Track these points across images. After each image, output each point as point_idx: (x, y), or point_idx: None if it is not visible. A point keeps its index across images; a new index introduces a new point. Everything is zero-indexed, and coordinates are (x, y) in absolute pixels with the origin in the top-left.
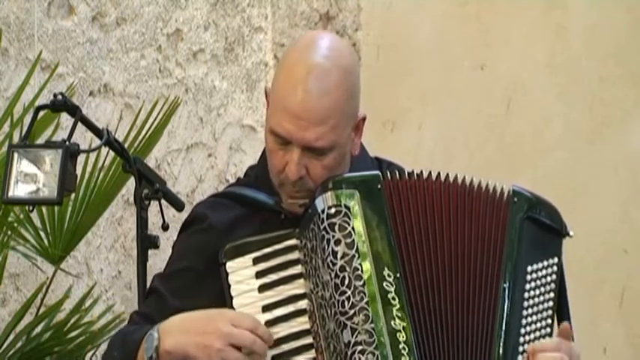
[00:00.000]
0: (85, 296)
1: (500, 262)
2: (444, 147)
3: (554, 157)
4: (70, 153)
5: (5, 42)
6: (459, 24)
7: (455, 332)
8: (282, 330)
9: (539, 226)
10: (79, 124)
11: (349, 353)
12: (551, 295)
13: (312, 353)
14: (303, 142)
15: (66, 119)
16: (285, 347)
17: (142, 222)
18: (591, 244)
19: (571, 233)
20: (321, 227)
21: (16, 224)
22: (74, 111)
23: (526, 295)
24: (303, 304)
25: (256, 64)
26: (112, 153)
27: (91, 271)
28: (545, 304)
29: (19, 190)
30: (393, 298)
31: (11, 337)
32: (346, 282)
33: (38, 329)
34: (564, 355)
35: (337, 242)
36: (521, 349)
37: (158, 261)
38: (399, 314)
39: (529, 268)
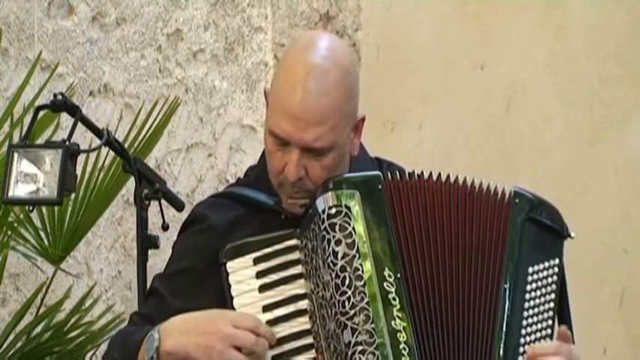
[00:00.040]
0: (85, 296)
1: (501, 262)
2: (444, 147)
3: (554, 157)
4: (70, 153)
5: (5, 42)
6: (459, 24)
7: (455, 333)
8: (282, 330)
9: (541, 227)
10: (79, 124)
11: (349, 353)
12: (552, 296)
13: (312, 353)
14: (302, 142)
15: (66, 119)
16: (286, 347)
17: (142, 222)
18: (591, 244)
19: (572, 235)
20: (322, 227)
21: (16, 224)
22: (74, 111)
23: (527, 296)
24: (303, 304)
25: (256, 64)
26: (112, 153)
27: (91, 271)
28: (546, 306)
29: (19, 190)
30: (394, 299)
31: (11, 337)
32: (347, 282)
33: (38, 329)
34: (564, 359)
35: (338, 242)
36: (521, 349)
37: (158, 261)
38: (400, 314)
39: (530, 269)
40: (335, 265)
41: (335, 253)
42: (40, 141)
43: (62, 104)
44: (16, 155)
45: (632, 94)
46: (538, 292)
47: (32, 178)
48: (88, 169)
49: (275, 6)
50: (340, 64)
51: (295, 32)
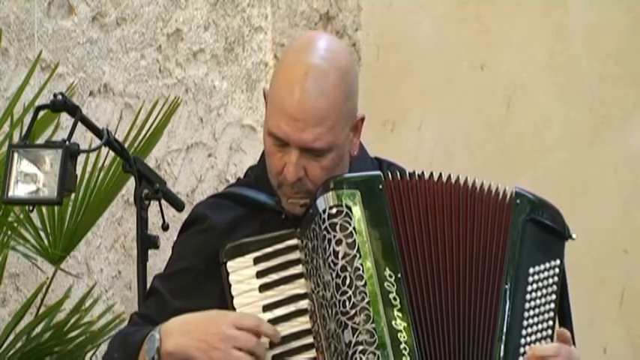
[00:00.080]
0: (85, 296)
1: (502, 263)
2: (444, 147)
3: (554, 157)
4: (70, 153)
5: (5, 42)
6: (459, 24)
7: (456, 333)
8: (282, 330)
9: (542, 228)
10: (79, 124)
11: (350, 353)
12: (553, 297)
13: (312, 353)
14: (301, 143)
15: (66, 119)
16: (286, 347)
17: (142, 222)
18: (591, 244)
19: (574, 236)
20: (322, 227)
21: (16, 224)
22: (74, 111)
23: (527, 296)
24: (303, 303)
25: (256, 64)
26: (112, 153)
27: (91, 271)
28: (547, 306)
29: (19, 190)
30: (394, 299)
31: (11, 337)
32: (347, 282)
33: (38, 329)
34: None
35: (338, 242)
36: (522, 350)
37: (158, 261)
38: (400, 314)
39: (531, 270)
40: (335, 264)
41: (335, 253)
42: (40, 141)
43: (62, 104)
44: (16, 155)
45: (632, 94)
46: (539, 293)
47: (32, 178)
48: (88, 169)
49: (275, 6)
50: (339, 65)
51: (295, 32)
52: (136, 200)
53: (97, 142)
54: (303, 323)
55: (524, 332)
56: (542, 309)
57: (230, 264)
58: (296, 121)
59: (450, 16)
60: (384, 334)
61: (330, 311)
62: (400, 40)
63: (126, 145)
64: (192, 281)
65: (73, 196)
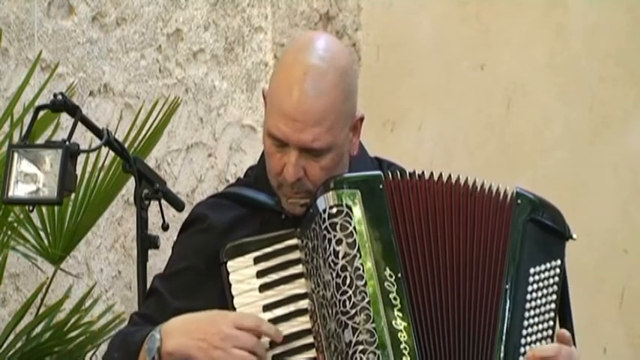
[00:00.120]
0: (85, 296)
1: (503, 263)
2: (444, 147)
3: (554, 157)
4: (70, 153)
5: (5, 42)
6: (459, 24)
7: (456, 333)
8: (283, 329)
9: (542, 229)
10: (79, 124)
11: (350, 353)
12: (554, 297)
13: (312, 353)
14: (300, 143)
15: (66, 119)
16: (286, 347)
17: (142, 222)
18: (591, 244)
19: (574, 236)
20: (323, 227)
21: (16, 224)
22: (74, 111)
23: (528, 296)
24: (304, 303)
25: (256, 64)
26: (112, 153)
27: (91, 271)
28: (548, 307)
29: (19, 190)
30: (395, 298)
31: (11, 337)
32: (347, 282)
33: (38, 329)
34: None
35: (339, 242)
36: (522, 350)
37: (158, 261)
38: (400, 314)
39: (531, 270)
40: (336, 264)
41: (336, 253)
42: (40, 141)
43: (62, 104)
44: (16, 155)
45: (632, 94)
46: (539, 293)
47: (32, 178)
48: (88, 169)
49: (275, 6)
50: (337, 65)
51: (295, 32)
52: (136, 200)
53: (97, 142)
54: (303, 323)
55: (524, 332)
56: (542, 309)
57: (230, 264)
58: (295, 122)
59: (450, 16)
60: (384, 334)
61: (330, 311)
62: (400, 40)
63: (126, 145)
64: (192, 281)
65: (73, 196)
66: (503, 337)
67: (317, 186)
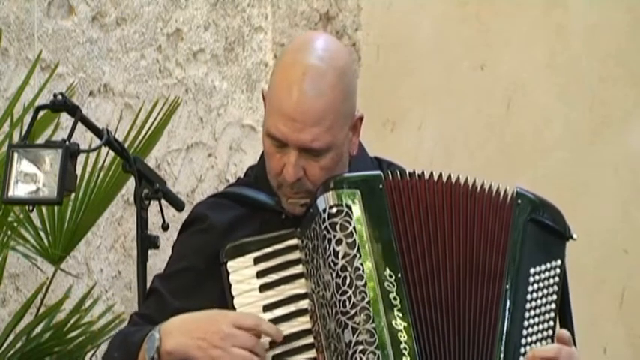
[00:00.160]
0: (85, 296)
1: (503, 263)
2: (444, 147)
3: (554, 157)
4: (70, 153)
5: (5, 42)
6: (459, 24)
7: (456, 333)
8: (283, 329)
9: (543, 229)
10: (79, 124)
11: (350, 353)
12: (554, 297)
13: (312, 353)
14: (299, 143)
15: (66, 119)
16: (286, 347)
17: (142, 222)
18: (591, 244)
19: (574, 236)
20: (323, 227)
21: (16, 224)
22: (74, 111)
23: (528, 296)
24: (304, 303)
25: (256, 64)
26: (112, 153)
27: (91, 271)
28: (548, 307)
29: (19, 190)
30: (395, 298)
31: (11, 337)
32: (347, 281)
33: (38, 329)
34: None
35: (339, 242)
36: (522, 350)
37: (158, 261)
38: (400, 314)
39: (532, 270)
40: (336, 264)
41: (336, 253)
42: (40, 141)
43: (62, 104)
44: (16, 155)
45: (632, 94)
46: (539, 293)
47: (32, 178)
48: (88, 169)
49: (275, 6)
50: (336, 65)
51: (295, 32)
52: (136, 200)
53: (97, 142)
54: (303, 323)
55: (524, 332)
56: (542, 309)
57: (230, 264)
58: (294, 122)
59: (450, 16)
60: (384, 334)
61: (330, 311)
62: (400, 40)
63: (126, 145)
64: (192, 281)
65: (73, 196)
66: (504, 337)
67: (317, 186)
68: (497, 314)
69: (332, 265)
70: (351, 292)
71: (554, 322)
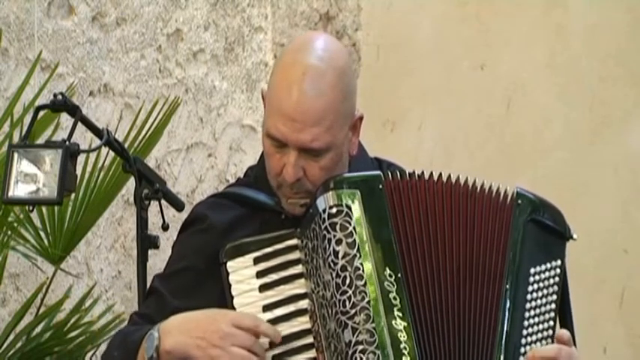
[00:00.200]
0: (85, 296)
1: (503, 263)
2: (444, 147)
3: (554, 157)
4: (70, 153)
5: (5, 42)
6: (459, 24)
7: (456, 332)
8: (282, 330)
9: (543, 229)
10: (79, 124)
11: (350, 353)
12: (554, 297)
13: (312, 353)
14: (299, 143)
15: (66, 119)
16: (286, 347)
17: (142, 222)
18: (591, 244)
19: (575, 236)
20: (323, 227)
21: (16, 224)
22: (74, 111)
23: (528, 297)
24: (303, 303)
25: (256, 64)
26: (112, 153)
27: (91, 271)
28: (548, 307)
29: (19, 190)
30: (394, 298)
31: (11, 337)
32: (347, 281)
33: (38, 329)
34: None
35: (338, 242)
36: (522, 350)
37: (158, 261)
38: (400, 314)
39: (532, 270)
40: (335, 264)
41: (336, 253)
42: (40, 141)
43: (62, 104)
44: (16, 155)
45: (632, 94)
46: (540, 293)
47: (32, 178)
48: (88, 169)
49: (275, 6)
50: (336, 65)
51: (295, 32)
52: (136, 200)
53: (97, 142)
54: (303, 323)
55: (524, 332)
56: (542, 309)
57: (230, 264)
58: (294, 122)
59: (450, 16)
60: (384, 334)
61: (330, 311)
62: (400, 40)
63: (126, 145)
64: (192, 281)
65: (73, 196)
66: (504, 338)
67: (316, 186)
68: (497, 314)
69: (332, 265)
70: (350, 292)
71: (555, 322)
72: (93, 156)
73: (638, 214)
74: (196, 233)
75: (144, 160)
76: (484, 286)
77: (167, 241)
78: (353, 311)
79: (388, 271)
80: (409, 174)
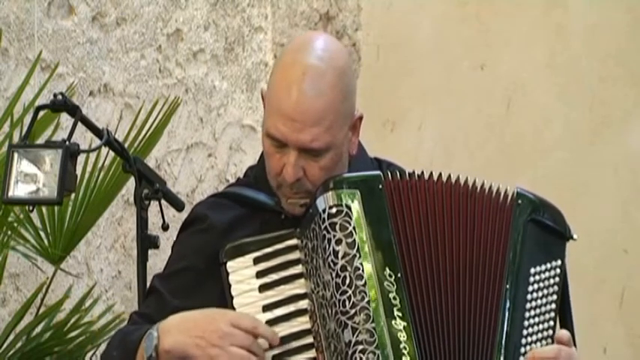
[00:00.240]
0: (85, 296)
1: (503, 263)
2: (444, 147)
3: (554, 157)
4: (70, 153)
5: (5, 42)
6: (459, 24)
7: (456, 332)
8: (282, 330)
9: (543, 229)
10: (79, 124)
11: (350, 353)
12: (554, 297)
13: (312, 353)
14: (299, 143)
15: (66, 119)
16: (286, 347)
17: (142, 222)
18: (591, 244)
19: (575, 236)
20: (322, 227)
21: (16, 224)
22: (74, 111)
23: (529, 297)
24: (303, 303)
25: (256, 64)
26: (112, 153)
27: (91, 271)
28: (548, 307)
29: (19, 190)
30: (394, 298)
31: (11, 337)
32: (347, 281)
33: (38, 329)
34: None
35: (338, 242)
36: (522, 350)
37: (158, 261)
38: (400, 314)
39: (532, 270)
40: (335, 264)
41: (335, 253)
42: (40, 141)
43: (62, 104)
44: (16, 155)
45: (632, 94)
46: (540, 293)
47: (32, 178)
48: (88, 169)
49: (275, 6)
50: (336, 65)
51: (295, 32)
52: (136, 200)
53: (97, 142)
54: (302, 323)
55: (524, 332)
56: (543, 309)
57: (230, 264)
58: (293, 122)
59: (450, 16)
60: (384, 334)
61: (329, 311)
62: (400, 40)
63: (126, 145)
64: (192, 281)
65: (73, 196)
66: (504, 338)
67: (316, 186)
68: (497, 314)
69: (331, 265)
70: (350, 292)
71: (555, 323)
72: (93, 156)
73: (638, 214)
74: (196, 233)
75: (144, 160)
76: (484, 286)
77: (167, 241)
78: (353, 311)
79: (388, 271)
80: (409, 174)
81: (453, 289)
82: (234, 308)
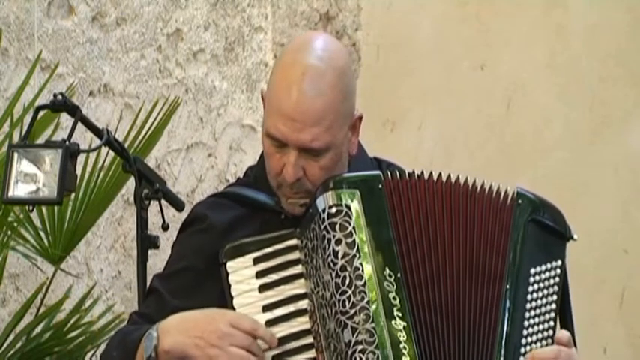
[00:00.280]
0: (85, 296)
1: (503, 264)
2: (444, 147)
3: (554, 157)
4: (70, 153)
5: (5, 42)
6: (459, 24)
7: (456, 332)
8: (282, 330)
9: (543, 229)
10: (79, 124)
11: (350, 352)
12: (554, 297)
13: (312, 353)
14: (299, 143)
15: (66, 119)
16: (286, 347)
17: (142, 222)
18: (591, 244)
19: (575, 237)
20: (322, 227)
21: (16, 224)
22: (74, 111)
23: (529, 297)
24: (303, 303)
25: (256, 64)
26: (112, 153)
27: (91, 271)
28: (548, 307)
29: (19, 190)
30: (394, 298)
31: (11, 337)
32: (347, 281)
33: (38, 329)
34: None
35: (338, 242)
36: (522, 350)
37: (158, 261)
38: (400, 314)
39: (532, 271)
40: (335, 264)
41: (335, 253)
42: (40, 141)
43: (62, 104)
44: (16, 155)
45: (632, 94)
46: (540, 294)
47: (32, 178)
48: (88, 169)
49: (275, 6)
50: (336, 65)
51: (295, 32)
52: (136, 200)
53: (97, 142)
54: (302, 323)
55: (524, 332)
56: (543, 309)
57: (230, 264)
58: (293, 122)
59: (450, 16)
60: (384, 334)
61: (329, 311)
62: (400, 40)
63: (126, 145)
64: (191, 281)
65: (73, 196)
66: (504, 338)
67: (316, 186)
68: (497, 315)
69: (331, 265)
70: (350, 292)
71: (555, 323)
72: (93, 156)
73: (638, 214)
74: (196, 233)
75: (144, 160)
76: (484, 286)
77: (167, 241)
78: (352, 311)
79: (388, 271)
80: (409, 174)
81: (453, 289)
82: (233, 308)
